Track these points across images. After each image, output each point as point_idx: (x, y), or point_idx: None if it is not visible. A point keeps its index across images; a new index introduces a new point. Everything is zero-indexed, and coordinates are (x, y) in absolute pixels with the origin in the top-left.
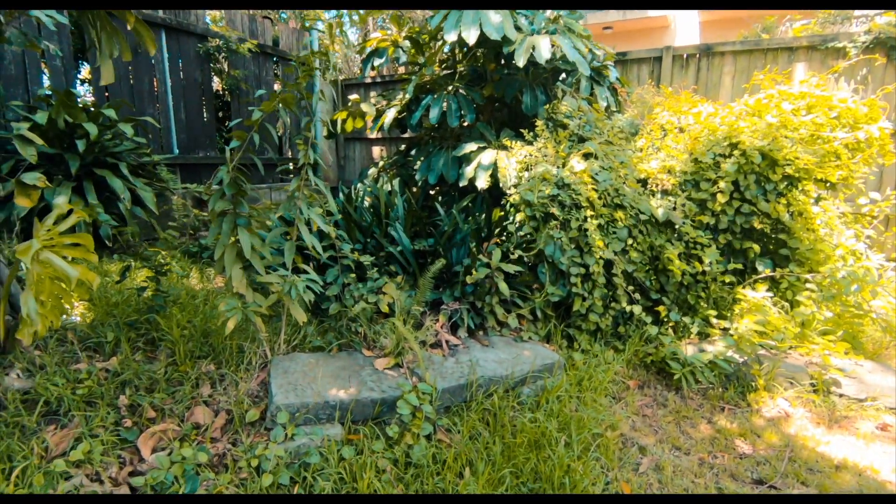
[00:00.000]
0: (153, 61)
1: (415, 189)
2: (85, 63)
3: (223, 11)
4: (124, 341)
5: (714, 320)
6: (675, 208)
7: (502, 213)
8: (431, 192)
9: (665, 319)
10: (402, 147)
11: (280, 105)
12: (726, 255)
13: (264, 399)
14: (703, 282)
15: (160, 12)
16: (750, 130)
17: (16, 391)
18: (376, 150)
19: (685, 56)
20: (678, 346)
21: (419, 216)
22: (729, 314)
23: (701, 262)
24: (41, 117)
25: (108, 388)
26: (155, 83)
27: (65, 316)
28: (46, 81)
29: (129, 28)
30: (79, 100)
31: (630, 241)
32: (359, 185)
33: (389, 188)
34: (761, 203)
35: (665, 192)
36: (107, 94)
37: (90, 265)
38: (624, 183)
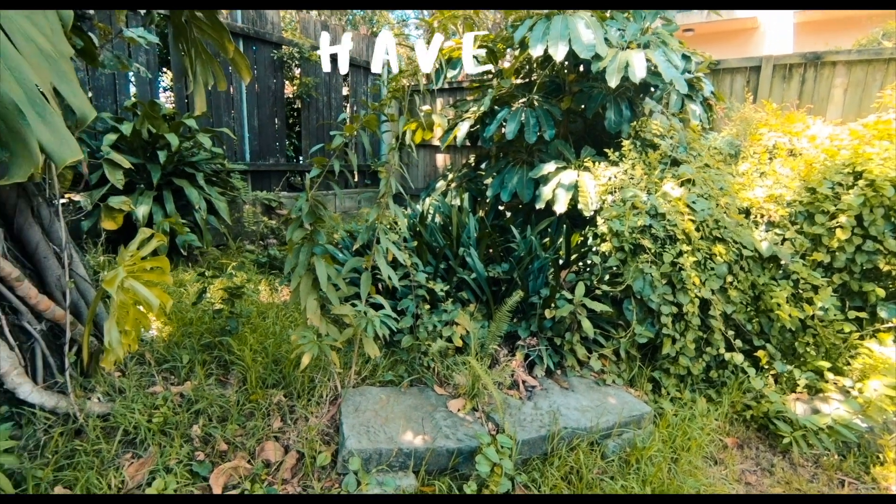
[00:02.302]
0: (230, 69)
1: (483, 202)
2: (167, 70)
3: (297, 19)
4: (198, 364)
5: (828, 374)
6: (782, 242)
7: (581, 239)
8: (500, 208)
9: (766, 367)
10: (471, 158)
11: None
12: (840, 296)
13: (335, 437)
14: (812, 327)
15: (239, 21)
16: (880, 158)
17: (96, 417)
18: (440, 159)
19: (788, 66)
20: (786, 402)
21: (493, 238)
22: (844, 366)
23: (811, 303)
24: (126, 128)
25: (183, 416)
26: (231, 90)
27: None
28: (133, 90)
29: (227, 57)
30: (161, 107)
31: (730, 279)
32: (427, 199)
33: (458, 202)
34: (889, 241)
35: (771, 224)
36: (187, 100)
37: (165, 287)
38: (725, 213)
